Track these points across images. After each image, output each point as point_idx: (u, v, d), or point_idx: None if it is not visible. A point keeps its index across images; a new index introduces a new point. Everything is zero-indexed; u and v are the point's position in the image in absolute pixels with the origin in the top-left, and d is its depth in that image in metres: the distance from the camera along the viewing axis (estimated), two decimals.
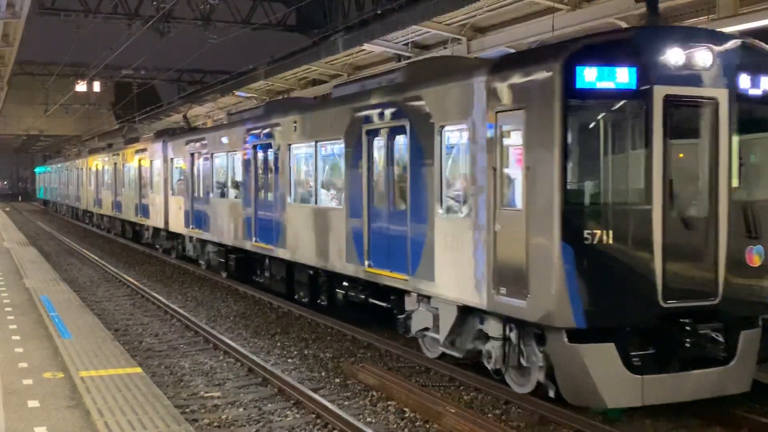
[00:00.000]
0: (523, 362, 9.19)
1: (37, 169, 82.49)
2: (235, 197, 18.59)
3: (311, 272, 14.77)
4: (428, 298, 10.86)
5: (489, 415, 9.15)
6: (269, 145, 16.15)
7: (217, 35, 31.48)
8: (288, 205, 15.27)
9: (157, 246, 27.28)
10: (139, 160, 28.53)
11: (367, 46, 19.91)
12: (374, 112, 12.06)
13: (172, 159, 24.36)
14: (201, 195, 20.97)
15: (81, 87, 42.70)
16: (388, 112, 11.70)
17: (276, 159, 15.80)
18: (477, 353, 10.21)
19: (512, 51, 14.71)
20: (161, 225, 25.49)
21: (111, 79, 46.60)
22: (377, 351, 12.37)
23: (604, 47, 8.70)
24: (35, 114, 56.74)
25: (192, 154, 21.63)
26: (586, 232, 8.31)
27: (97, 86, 45.31)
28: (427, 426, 8.83)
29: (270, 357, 12.16)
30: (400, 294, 11.69)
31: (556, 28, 14.43)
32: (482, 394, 9.96)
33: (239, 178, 18.37)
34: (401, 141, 11.38)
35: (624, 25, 13.51)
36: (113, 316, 15.87)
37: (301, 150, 15.15)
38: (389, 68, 17.26)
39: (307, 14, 35.26)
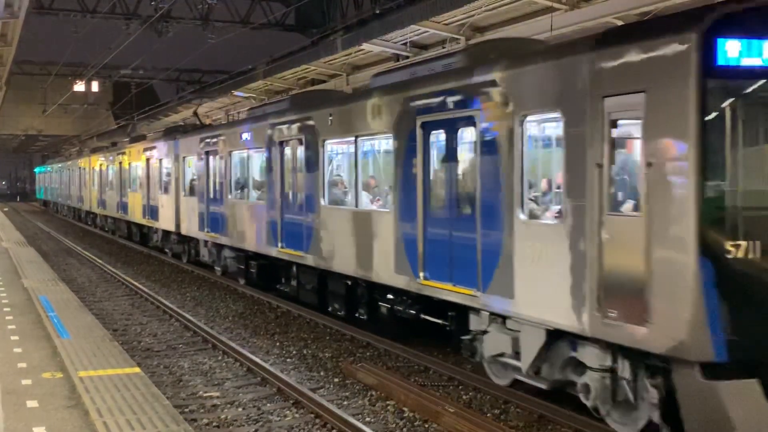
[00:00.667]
0: (631, 398, 7.77)
1: (37, 169, 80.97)
2: (258, 199, 17.09)
3: (348, 282, 13.24)
4: (503, 318, 9.39)
5: (488, 415, 9.14)
6: (299, 142, 14.57)
7: (215, 35, 31.52)
8: (321, 207, 13.73)
9: (167, 250, 25.88)
10: (147, 159, 27.09)
11: (365, 46, 19.89)
12: (432, 102, 10.54)
13: (184, 157, 22.92)
14: (218, 196, 19.31)
15: (79, 87, 42.68)
16: (450, 101, 10.16)
17: (307, 157, 14.15)
18: (567, 384, 8.81)
19: None
20: (172, 228, 24.00)
21: (109, 78, 46.64)
22: (376, 350, 12.37)
23: (751, 15, 7.04)
24: (33, 114, 56.76)
25: (207, 152, 20.07)
26: (729, 243, 6.85)
27: (95, 86, 45.30)
28: (426, 426, 8.83)
29: (269, 357, 12.15)
30: (462, 310, 10.18)
31: (555, 27, 14.42)
32: (481, 393, 9.96)
33: (263, 177, 16.85)
34: (468, 134, 10.03)
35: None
36: (112, 316, 15.87)
37: (338, 146, 13.89)
38: (442, 53, 15.07)
39: (306, 14, 35.27)
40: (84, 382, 8.16)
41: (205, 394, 10.14)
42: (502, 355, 9.47)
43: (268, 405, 9.68)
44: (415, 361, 11.52)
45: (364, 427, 8.40)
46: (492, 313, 9.47)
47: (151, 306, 17.01)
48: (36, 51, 50.14)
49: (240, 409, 9.49)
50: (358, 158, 12.78)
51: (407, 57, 18.85)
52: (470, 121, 9.73)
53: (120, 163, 32.24)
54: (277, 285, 16.67)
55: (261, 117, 16.89)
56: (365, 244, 12.25)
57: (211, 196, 19.83)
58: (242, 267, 18.45)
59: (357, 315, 13.16)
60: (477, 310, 9.72)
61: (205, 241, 21.04)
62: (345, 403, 9.72)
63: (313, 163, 13.98)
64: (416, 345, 11.93)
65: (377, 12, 23.96)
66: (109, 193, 34.79)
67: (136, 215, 29.01)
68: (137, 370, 8.96)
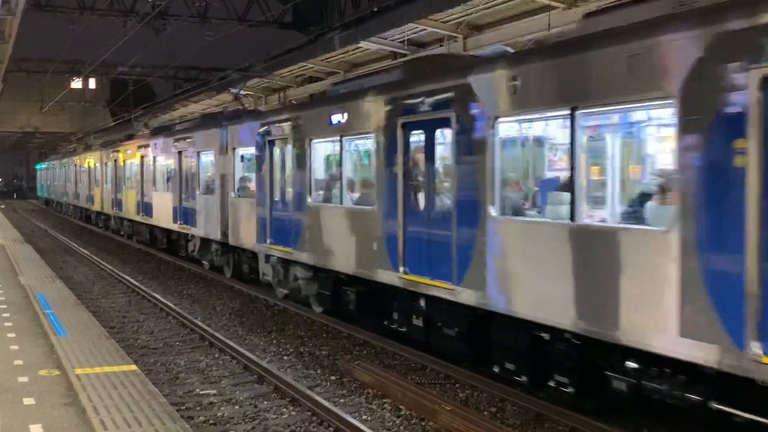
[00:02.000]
0: None
1: (38, 166, 76.65)
2: (360, 203, 12.67)
3: (544, 335, 8.69)
4: None
5: (485, 413, 9.15)
6: (444, 123, 9.97)
7: (213, 32, 31.47)
8: (493, 219, 9.13)
9: (205, 262, 21.54)
10: (179, 153, 22.62)
11: (363, 44, 19.91)
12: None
13: (234, 149, 18.71)
14: (289, 198, 14.70)
15: (76, 84, 42.70)
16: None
17: (467, 142, 9.56)
18: None
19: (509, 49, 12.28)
20: (216, 236, 19.76)
21: (107, 76, 46.55)
22: (373, 348, 12.37)
23: None
24: (31, 111, 56.73)
25: (271, 142, 15.49)
26: None
27: (92, 83, 45.37)
28: (423, 423, 8.84)
29: (266, 354, 12.16)
30: None
31: (552, 26, 14.43)
32: (478, 391, 9.97)
33: (370, 174, 12.22)
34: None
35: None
36: (109, 313, 15.86)
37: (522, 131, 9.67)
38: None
39: (304, 11, 35.24)
40: (81, 380, 8.15)
41: (201, 392, 10.14)
42: None
43: (265, 403, 9.68)
44: (412, 359, 11.52)
45: (360, 425, 8.41)
46: None
47: (147, 304, 17.00)
48: (33, 48, 49.97)
49: (236, 407, 9.50)
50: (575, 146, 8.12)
51: (405, 55, 18.87)
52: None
53: (141, 157, 27.69)
54: (385, 322, 12.14)
55: (370, 92, 11.92)
56: (585, 277, 7.87)
57: (278, 198, 15.36)
58: (326, 292, 13.82)
59: (553, 385, 8.69)
60: None
61: (268, 256, 16.07)
62: (342, 401, 9.73)
63: (476, 151, 9.43)
64: (413, 343, 11.92)
65: (375, 10, 23.92)
66: (126, 192, 30.39)
67: (163, 219, 24.72)
68: (134, 367, 8.96)
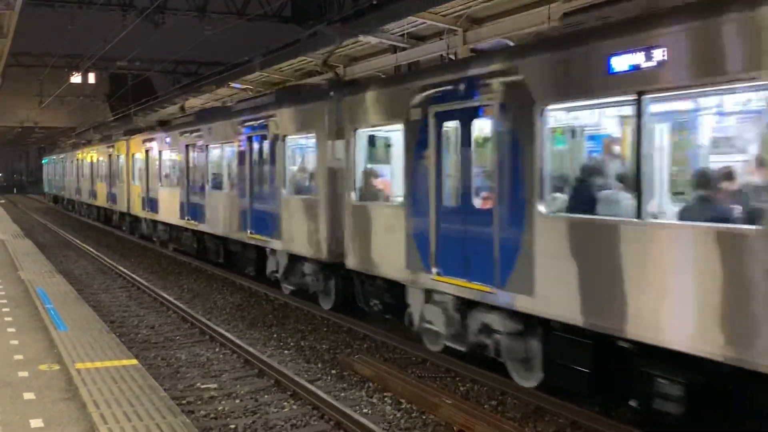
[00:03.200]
0: None
1: (45, 160, 71.47)
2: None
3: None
4: None
5: (485, 406, 9.16)
6: None
7: (212, 26, 31.42)
8: None
9: (288, 286, 15.93)
10: (249, 139, 17.08)
11: (362, 38, 19.84)
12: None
13: (356, 130, 12.44)
14: (493, 206, 9.27)
15: (76, 79, 42.62)
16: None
17: None
18: None
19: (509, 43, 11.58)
20: (317, 253, 14.03)
21: (106, 70, 46.53)
22: (373, 342, 12.37)
23: None
24: (30, 106, 56.61)
25: (444, 116, 10.10)
26: None
27: (91, 78, 45.29)
28: (424, 417, 8.84)
29: (266, 349, 12.16)
30: None
31: (552, 19, 14.38)
32: (478, 385, 9.97)
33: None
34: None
35: (620, 16, 13.41)
36: (109, 308, 15.86)
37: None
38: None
39: (303, 5, 35.19)
40: (81, 374, 8.14)
41: (202, 386, 10.15)
42: None
43: (266, 397, 9.68)
44: (413, 352, 11.52)
45: (361, 419, 8.41)
46: None
47: (148, 298, 17.00)
48: (32, 43, 49.92)
49: (237, 401, 9.50)
50: None
51: (404, 48, 18.80)
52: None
53: (187, 147, 21.84)
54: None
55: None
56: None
57: (449, 203, 10.18)
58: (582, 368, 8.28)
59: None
60: None
61: (428, 292, 10.75)
62: (342, 394, 9.73)
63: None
64: (413, 337, 11.93)
65: (374, 3, 23.86)
66: (164, 191, 24.67)
67: (221, 226, 19.13)
68: (134, 362, 8.95)
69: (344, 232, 12.91)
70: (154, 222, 26.62)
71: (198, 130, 20.97)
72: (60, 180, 54.01)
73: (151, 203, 26.14)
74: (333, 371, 10.80)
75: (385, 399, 9.52)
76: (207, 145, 20.05)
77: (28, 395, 7.49)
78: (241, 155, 17.62)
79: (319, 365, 11.13)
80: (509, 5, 16.09)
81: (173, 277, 20.05)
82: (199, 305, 16.03)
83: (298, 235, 14.74)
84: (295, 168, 15.53)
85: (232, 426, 8.60)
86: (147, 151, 26.79)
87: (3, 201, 60.12)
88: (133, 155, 29.30)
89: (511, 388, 9.56)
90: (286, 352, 12.02)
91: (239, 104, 19.25)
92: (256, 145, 16.85)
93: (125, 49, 36.95)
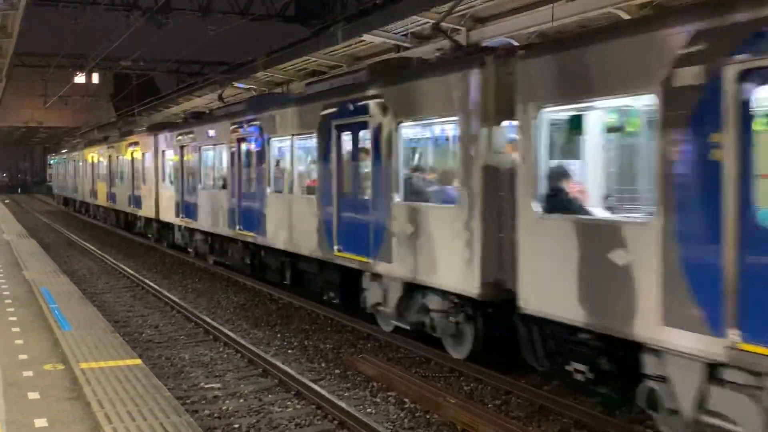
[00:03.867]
0: None
1: (54, 159, 66.91)
2: None
3: None
4: None
5: (489, 406, 9.16)
6: None
7: (215, 26, 31.41)
8: None
9: (399, 323, 11.95)
10: (339, 129, 13.22)
11: (366, 37, 19.84)
12: None
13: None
14: None
15: (80, 79, 42.60)
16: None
17: None
18: None
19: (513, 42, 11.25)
20: (469, 286, 9.89)
21: (110, 70, 46.55)
22: (377, 342, 12.37)
23: None
24: (34, 106, 56.78)
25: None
26: None
27: (96, 78, 45.27)
28: (427, 416, 8.84)
29: (270, 348, 12.17)
30: None
31: (556, 18, 14.37)
32: (482, 384, 9.97)
33: None
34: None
35: (625, 16, 13.44)
36: (113, 307, 15.88)
37: None
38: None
39: (306, 5, 35.17)
40: (85, 374, 8.16)
41: (206, 386, 10.15)
42: None
43: (270, 396, 9.69)
44: (416, 352, 11.52)
45: (365, 418, 8.41)
46: None
47: (152, 298, 17.02)
48: (36, 43, 49.97)
49: (241, 401, 9.51)
50: None
51: (408, 48, 18.79)
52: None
53: (238, 141, 18.10)
54: None
55: None
56: None
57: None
58: None
59: None
60: None
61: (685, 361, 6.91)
62: (346, 394, 9.74)
63: None
64: (417, 336, 11.92)
65: (377, 2, 23.86)
66: (205, 194, 20.83)
67: (293, 239, 15.17)
68: (138, 361, 8.96)
69: (515, 258, 9.03)
70: (190, 230, 22.97)
71: (255, 121, 17.13)
72: (71, 181, 48.60)
73: (188, 209, 22.44)
74: (337, 371, 10.81)
75: (389, 398, 9.52)
76: (269, 138, 16.34)
77: (33, 395, 7.50)
78: (324, 149, 13.72)
79: (323, 365, 11.14)
80: (513, 4, 16.09)
81: (177, 278, 20.07)
82: (203, 305, 16.04)
83: (423, 257, 10.85)
84: (415, 164, 12.03)
85: (236, 425, 8.60)
86: (182, 147, 22.72)
87: (7, 201, 60.21)
88: (162, 152, 25.39)
89: (515, 388, 9.56)
90: (290, 351, 12.03)
91: (314, 86, 15.42)
92: (346, 137, 13.15)
93: (129, 49, 37.03)
